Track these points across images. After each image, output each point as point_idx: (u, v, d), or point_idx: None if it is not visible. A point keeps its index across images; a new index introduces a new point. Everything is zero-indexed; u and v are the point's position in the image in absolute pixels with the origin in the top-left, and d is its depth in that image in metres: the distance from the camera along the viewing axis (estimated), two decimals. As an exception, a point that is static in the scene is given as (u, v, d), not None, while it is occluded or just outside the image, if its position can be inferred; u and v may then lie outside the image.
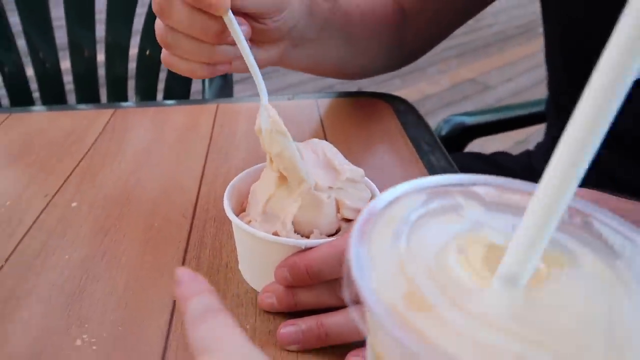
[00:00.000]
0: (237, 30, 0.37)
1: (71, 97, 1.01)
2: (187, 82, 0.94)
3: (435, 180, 0.19)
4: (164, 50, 0.41)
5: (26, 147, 0.58)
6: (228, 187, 0.38)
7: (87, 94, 0.98)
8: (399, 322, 0.13)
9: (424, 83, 2.74)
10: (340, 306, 0.32)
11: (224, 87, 0.90)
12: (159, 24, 0.39)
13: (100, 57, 0.97)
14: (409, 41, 0.65)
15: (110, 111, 0.67)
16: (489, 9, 0.66)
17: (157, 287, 0.38)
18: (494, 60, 3.08)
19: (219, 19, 0.37)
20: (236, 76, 1.03)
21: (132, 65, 0.97)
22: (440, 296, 0.14)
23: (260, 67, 0.38)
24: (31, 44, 0.94)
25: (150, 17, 0.95)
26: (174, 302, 0.36)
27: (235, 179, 0.39)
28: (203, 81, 0.90)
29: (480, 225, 0.18)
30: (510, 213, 0.18)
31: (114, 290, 0.38)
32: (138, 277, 0.39)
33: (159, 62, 0.43)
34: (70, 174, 0.53)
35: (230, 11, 0.36)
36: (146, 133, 0.62)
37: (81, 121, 0.65)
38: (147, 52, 0.96)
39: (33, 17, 0.94)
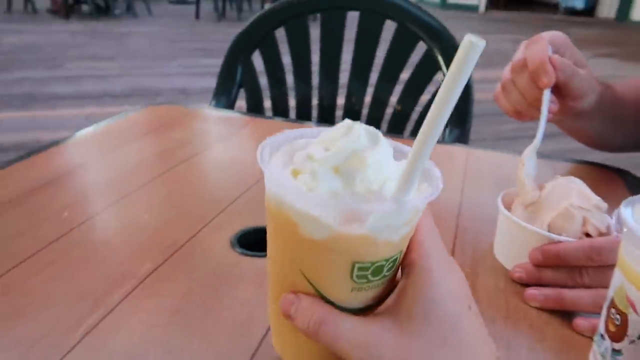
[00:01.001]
0: (546, 102, 0.56)
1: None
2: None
3: None
4: (498, 88, 0.63)
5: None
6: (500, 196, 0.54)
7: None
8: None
9: None
10: (575, 286, 0.45)
11: (461, 139, 1.08)
12: (506, 73, 0.61)
13: (340, 100, 1.25)
14: None
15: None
16: None
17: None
18: None
19: (540, 90, 0.56)
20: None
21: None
22: None
23: (550, 120, 0.57)
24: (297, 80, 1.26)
25: (411, 79, 1.18)
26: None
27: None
28: (444, 130, 1.09)
29: None
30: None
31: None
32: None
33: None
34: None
35: (549, 89, 0.56)
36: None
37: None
38: (398, 108, 1.20)
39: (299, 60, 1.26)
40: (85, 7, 7.81)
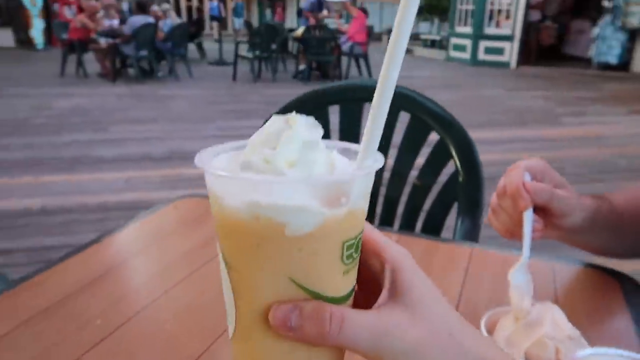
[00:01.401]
0: (527, 223, 0.61)
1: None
2: (441, 219, 1.19)
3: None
4: (489, 211, 0.68)
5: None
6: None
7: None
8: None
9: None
10: None
11: (472, 230, 1.12)
12: (494, 197, 0.67)
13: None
14: None
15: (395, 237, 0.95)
16: None
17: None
18: None
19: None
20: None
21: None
22: None
23: (538, 237, 0.61)
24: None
25: (432, 156, 1.25)
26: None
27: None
28: (456, 221, 1.13)
29: None
30: None
31: None
32: None
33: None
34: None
35: (529, 211, 0.61)
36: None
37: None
38: (418, 182, 1.26)
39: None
40: (131, 71, 8.35)
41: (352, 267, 0.32)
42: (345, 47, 8.40)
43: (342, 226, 0.30)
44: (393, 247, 0.34)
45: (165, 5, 9.86)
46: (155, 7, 9.41)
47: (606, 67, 9.79)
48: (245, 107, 5.87)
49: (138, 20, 7.77)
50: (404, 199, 1.29)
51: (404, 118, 1.27)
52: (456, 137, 1.22)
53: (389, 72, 0.30)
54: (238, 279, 0.32)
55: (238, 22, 15.08)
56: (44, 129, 4.87)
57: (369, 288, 0.34)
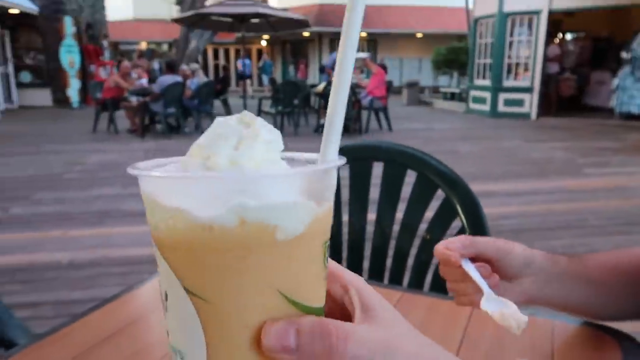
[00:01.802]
0: (470, 268, 0.62)
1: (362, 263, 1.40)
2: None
3: None
4: (455, 296, 0.70)
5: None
6: None
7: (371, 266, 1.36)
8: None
9: None
10: None
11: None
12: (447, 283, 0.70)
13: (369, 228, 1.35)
14: None
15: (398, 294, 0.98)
16: None
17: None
18: None
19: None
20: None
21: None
22: None
23: (520, 301, 0.64)
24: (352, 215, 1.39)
25: (441, 209, 1.29)
26: None
27: None
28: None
29: None
30: None
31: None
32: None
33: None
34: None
35: (464, 260, 0.63)
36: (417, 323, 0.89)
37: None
38: (428, 236, 1.29)
39: (357, 194, 1.39)
40: (159, 127, 8.70)
41: (326, 270, 0.31)
42: (365, 102, 8.62)
43: (325, 224, 0.28)
44: (347, 271, 0.34)
45: (194, 65, 10.36)
46: (184, 67, 9.90)
47: (629, 117, 9.75)
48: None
49: (167, 79, 8.18)
50: (413, 251, 1.33)
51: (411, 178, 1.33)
52: (461, 195, 1.27)
53: (345, 53, 0.29)
54: (209, 308, 0.26)
55: (266, 79, 15.69)
56: (75, 184, 5.08)
57: (330, 310, 0.33)
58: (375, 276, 1.39)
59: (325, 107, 8.32)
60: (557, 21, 11.52)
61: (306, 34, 19.24)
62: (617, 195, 4.64)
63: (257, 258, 0.26)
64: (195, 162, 0.27)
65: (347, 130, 8.79)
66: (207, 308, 0.26)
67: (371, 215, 1.40)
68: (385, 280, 1.37)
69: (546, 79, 10.95)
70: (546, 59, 10.86)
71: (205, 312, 0.26)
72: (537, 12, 10.58)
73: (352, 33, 0.29)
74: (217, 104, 11.48)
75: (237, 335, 0.27)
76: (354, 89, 8.55)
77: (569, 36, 13.44)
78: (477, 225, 1.23)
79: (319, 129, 8.84)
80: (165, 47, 22.79)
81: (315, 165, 0.29)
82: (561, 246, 3.30)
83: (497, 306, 0.59)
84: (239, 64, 13.66)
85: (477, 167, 5.97)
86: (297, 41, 21.30)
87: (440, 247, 0.66)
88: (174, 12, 16.00)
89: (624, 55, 9.76)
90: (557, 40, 11.68)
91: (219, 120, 0.28)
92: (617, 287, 0.72)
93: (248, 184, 0.26)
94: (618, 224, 3.74)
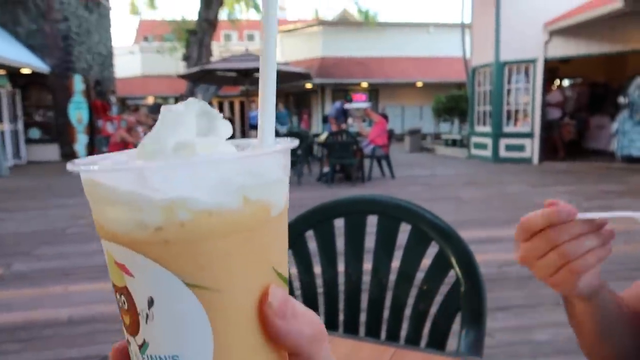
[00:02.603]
0: (591, 215, 0.61)
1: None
2: (447, 327, 1.20)
3: None
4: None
5: None
6: None
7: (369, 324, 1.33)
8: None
9: None
10: None
11: (476, 341, 1.12)
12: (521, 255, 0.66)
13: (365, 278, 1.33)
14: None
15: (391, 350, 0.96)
16: None
17: None
18: None
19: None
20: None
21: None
22: None
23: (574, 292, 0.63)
24: (325, 265, 1.37)
25: (437, 259, 1.28)
26: None
27: None
28: (460, 332, 1.14)
29: None
30: None
31: None
32: None
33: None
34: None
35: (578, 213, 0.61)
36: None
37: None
38: (425, 287, 1.28)
39: (326, 250, 1.39)
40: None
41: None
42: (367, 150, 8.72)
43: (287, 197, 0.29)
44: None
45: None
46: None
47: (630, 160, 9.78)
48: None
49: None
50: (410, 301, 1.31)
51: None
52: (455, 247, 1.26)
53: (266, 45, 0.29)
54: (216, 297, 0.26)
55: (282, 129, 15.66)
56: (77, 238, 5.08)
57: None
58: (373, 328, 1.36)
59: (328, 157, 8.44)
60: (554, 68, 11.79)
61: (309, 85, 19.74)
62: (622, 240, 4.58)
63: (259, 237, 0.26)
64: (157, 150, 0.26)
65: (349, 178, 8.84)
66: (214, 297, 0.26)
67: (366, 265, 1.39)
68: (383, 332, 1.35)
69: (547, 125, 11.08)
70: (548, 105, 11.03)
71: (211, 301, 0.26)
72: (533, 61, 10.85)
73: (270, 19, 0.29)
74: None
75: (245, 319, 0.27)
76: (356, 137, 8.67)
77: (566, 82, 13.71)
78: (471, 279, 1.21)
79: (321, 178, 8.90)
80: (171, 101, 23.39)
81: (289, 141, 0.30)
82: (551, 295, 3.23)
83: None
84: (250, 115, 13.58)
85: (480, 213, 5.95)
86: (300, 93, 21.83)
87: (541, 210, 0.63)
88: (181, 67, 16.51)
89: (621, 100, 9.91)
90: (556, 87, 11.87)
91: (168, 108, 0.27)
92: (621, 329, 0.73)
93: (248, 164, 0.26)
94: (623, 269, 3.67)
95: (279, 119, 12.51)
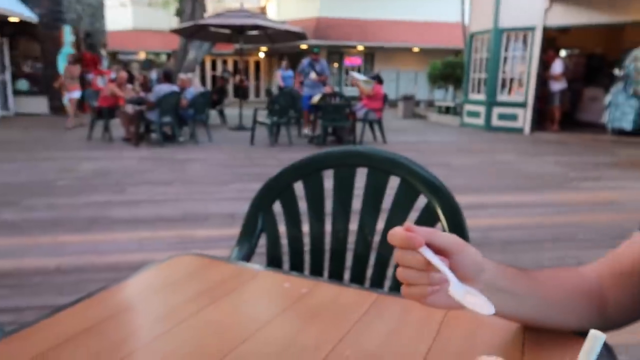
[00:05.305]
0: (431, 257, 0.59)
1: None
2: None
3: None
4: (402, 286, 0.63)
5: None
6: None
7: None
8: None
9: None
10: None
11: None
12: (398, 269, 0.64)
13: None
14: (611, 314, 0.72)
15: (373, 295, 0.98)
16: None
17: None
18: None
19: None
20: None
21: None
22: None
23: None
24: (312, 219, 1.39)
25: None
26: None
27: None
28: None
29: None
30: None
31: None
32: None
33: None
34: (343, 329, 0.83)
35: (425, 247, 0.59)
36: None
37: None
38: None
39: (315, 204, 1.40)
40: (154, 135, 8.70)
41: None
42: (360, 114, 8.66)
43: None
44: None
45: (189, 74, 10.42)
46: (182, 75, 9.96)
47: (621, 132, 9.82)
48: (261, 171, 6.02)
49: (163, 88, 8.21)
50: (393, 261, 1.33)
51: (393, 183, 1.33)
52: (443, 201, 1.27)
53: None
54: None
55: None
56: (66, 191, 5.06)
57: None
58: (357, 280, 1.38)
59: (321, 118, 8.38)
60: (552, 38, 11.65)
61: (304, 46, 19.37)
62: (607, 210, 4.66)
63: None
64: None
65: (341, 141, 8.82)
66: None
67: (353, 226, 1.40)
68: (367, 283, 1.37)
69: (549, 95, 10.99)
70: (550, 76, 10.91)
71: None
72: (532, 29, 10.71)
73: None
74: (214, 114, 11.52)
75: None
76: (350, 100, 8.60)
77: (563, 53, 13.58)
78: (458, 230, 1.23)
79: (313, 140, 8.86)
80: (164, 57, 22.89)
81: None
82: (549, 259, 3.31)
83: (464, 292, 0.59)
84: (278, 75, 12.58)
85: (469, 179, 5.99)
86: (294, 53, 21.41)
87: (399, 230, 0.62)
88: (174, 23, 16.09)
89: (617, 72, 9.87)
90: (558, 56, 11.63)
91: None
92: (561, 303, 0.73)
93: None
94: (607, 237, 3.75)
95: (285, 80, 12.18)
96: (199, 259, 1.15)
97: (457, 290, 0.58)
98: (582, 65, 12.70)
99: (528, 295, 0.71)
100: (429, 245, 0.62)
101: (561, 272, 0.77)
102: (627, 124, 9.67)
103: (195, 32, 10.99)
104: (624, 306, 0.73)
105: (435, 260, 0.60)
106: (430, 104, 17.19)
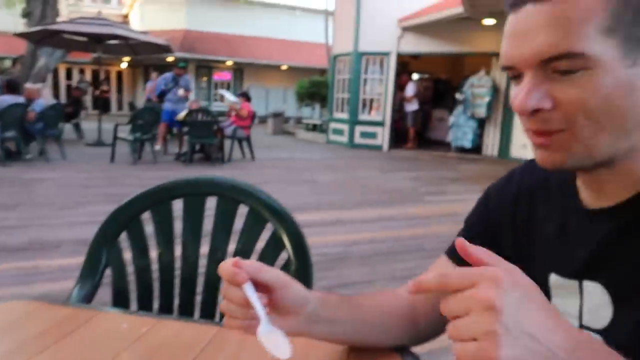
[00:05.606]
0: (251, 294, 0.64)
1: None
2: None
3: None
4: (225, 317, 0.68)
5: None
6: None
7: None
8: None
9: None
10: None
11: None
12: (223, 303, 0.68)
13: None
14: (422, 327, 0.83)
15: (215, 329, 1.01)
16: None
17: None
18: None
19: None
20: None
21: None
22: None
23: (288, 334, 0.66)
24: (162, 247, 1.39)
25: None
26: None
27: None
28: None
29: None
30: None
31: None
32: None
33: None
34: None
35: (248, 283, 0.64)
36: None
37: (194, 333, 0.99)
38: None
39: (164, 232, 1.40)
40: (-6, 152, 7.72)
41: None
42: (228, 131, 8.62)
43: None
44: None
45: (39, 85, 9.47)
46: (29, 85, 9.00)
47: (462, 150, 11.12)
48: (120, 191, 5.67)
49: (6, 100, 7.35)
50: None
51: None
52: (288, 228, 1.35)
53: None
54: None
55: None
56: None
57: None
58: (209, 310, 1.40)
59: (188, 135, 8.15)
60: (405, 62, 12.80)
61: (170, 58, 18.70)
62: (449, 221, 5.23)
63: None
64: None
65: (209, 158, 8.68)
66: None
67: (204, 249, 1.42)
68: (217, 315, 1.39)
69: (404, 116, 12.03)
70: (404, 98, 11.93)
71: None
72: (387, 54, 11.65)
73: None
74: (69, 128, 10.58)
75: None
76: (217, 117, 8.52)
77: (415, 76, 14.98)
78: (300, 255, 1.32)
79: (179, 157, 8.60)
80: (8, 62, 20.43)
81: None
82: (402, 269, 3.63)
83: (268, 333, 0.63)
84: (150, 86, 11.41)
85: (333, 195, 6.30)
86: (161, 66, 20.57)
87: (227, 264, 0.66)
88: (20, 25, 14.49)
89: (458, 96, 11.17)
90: (411, 80, 12.78)
91: None
92: (378, 323, 0.83)
93: None
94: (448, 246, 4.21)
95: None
96: (31, 304, 1.08)
97: (263, 330, 0.63)
98: (430, 88, 14.13)
99: (348, 319, 0.80)
100: (254, 281, 0.68)
101: (378, 295, 0.89)
102: (467, 143, 10.98)
103: (45, 37, 10.05)
104: (433, 319, 0.86)
105: (253, 298, 0.65)
106: (299, 120, 17.71)
